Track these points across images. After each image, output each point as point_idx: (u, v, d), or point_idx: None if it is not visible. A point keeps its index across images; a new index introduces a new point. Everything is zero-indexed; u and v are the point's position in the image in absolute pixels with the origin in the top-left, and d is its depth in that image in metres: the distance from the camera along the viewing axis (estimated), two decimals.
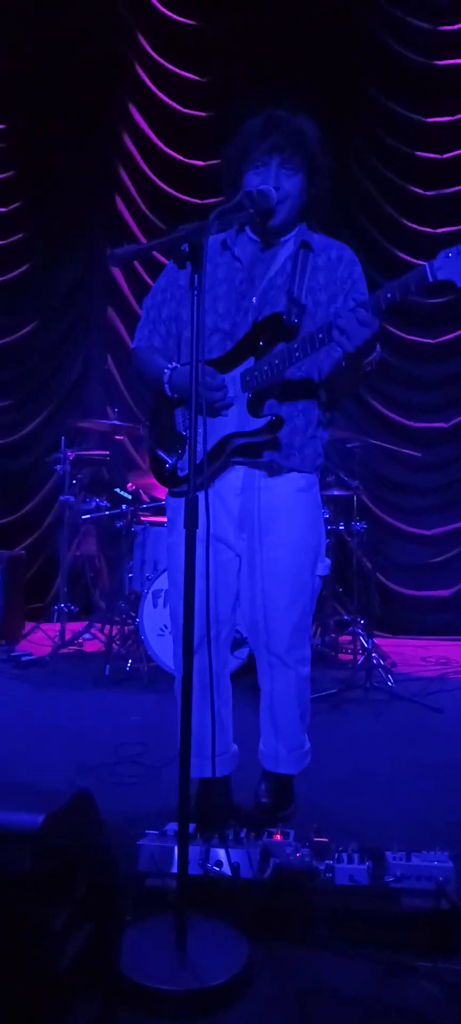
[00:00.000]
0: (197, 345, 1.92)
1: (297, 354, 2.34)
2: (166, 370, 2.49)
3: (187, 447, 2.23)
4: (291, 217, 2.51)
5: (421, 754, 3.65)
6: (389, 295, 2.17)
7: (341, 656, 5.43)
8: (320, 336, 2.28)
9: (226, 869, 2.07)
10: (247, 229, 2.57)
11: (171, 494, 2.65)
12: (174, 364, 2.51)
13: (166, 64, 7.06)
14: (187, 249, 1.94)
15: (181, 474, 2.54)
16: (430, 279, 2.17)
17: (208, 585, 2.22)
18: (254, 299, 2.50)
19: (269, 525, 2.54)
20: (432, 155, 6.85)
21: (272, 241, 2.54)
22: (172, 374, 2.49)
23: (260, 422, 2.43)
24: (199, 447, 2.23)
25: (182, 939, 1.82)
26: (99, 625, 5.42)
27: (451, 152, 6.82)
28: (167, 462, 2.59)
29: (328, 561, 5.08)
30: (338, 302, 2.52)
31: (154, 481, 5.36)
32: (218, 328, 2.51)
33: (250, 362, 2.43)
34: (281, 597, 2.55)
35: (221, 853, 2.09)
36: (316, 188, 2.54)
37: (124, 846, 2.17)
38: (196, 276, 1.94)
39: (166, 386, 2.49)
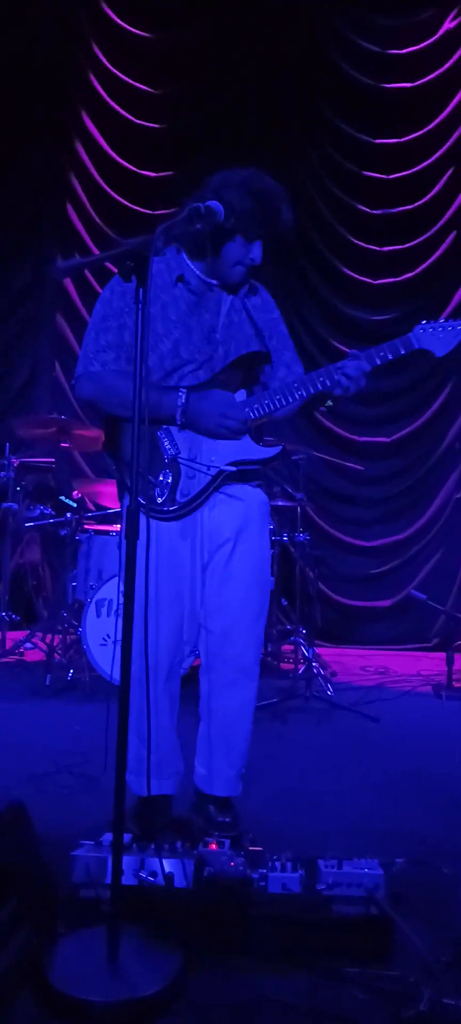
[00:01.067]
0: (141, 362, 1.93)
1: (299, 392, 2.48)
2: (181, 395, 2.45)
3: (182, 470, 2.47)
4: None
5: (359, 763, 3.71)
6: (382, 354, 2.47)
7: (283, 665, 5.48)
8: (321, 379, 2.48)
9: (160, 879, 2.08)
10: (192, 265, 2.58)
11: (159, 517, 2.53)
12: (184, 389, 2.47)
13: (120, 75, 7.08)
14: (132, 264, 1.95)
15: (181, 499, 2.51)
16: (415, 346, 2.49)
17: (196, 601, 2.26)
18: (218, 333, 2.58)
19: (245, 530, 2.59)
20: (379, 175, 6.99)
21: (226, 289, 2.60)
22: (189, 400, 2.46)
23: (271, 451, 2.56)
24: (201, 472, 2.45)
25: (114, 949, 1.82)
26: (41, 634, 5.37)
27: (397, 173, 6.97)
28: (157, 487, 2.53)
29: (272, 578, 5.15)
30: (273, 341, 2.70)
31: (98, 489, 5.37)
32: (194, 359, 2.54)
33: (242, 394, 2.53)
34: (251, 607, 2.59)
35: (156, 863, 2.10)
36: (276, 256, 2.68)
37: (60, 857, 2.16)
38: (141, 290, 1.95)
39: (178, 412, 2.45)
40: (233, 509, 2.58)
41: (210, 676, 2.65)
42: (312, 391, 2.49)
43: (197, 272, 2.58)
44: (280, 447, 2.59)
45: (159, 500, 2.52)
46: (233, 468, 2.53)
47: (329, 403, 2.55)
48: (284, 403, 2.50)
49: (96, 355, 2.55)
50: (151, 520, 2.55)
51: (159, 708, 2.52)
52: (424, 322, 2.50)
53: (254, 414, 2.50)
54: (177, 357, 2.51)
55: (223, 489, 2.57)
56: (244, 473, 2.58)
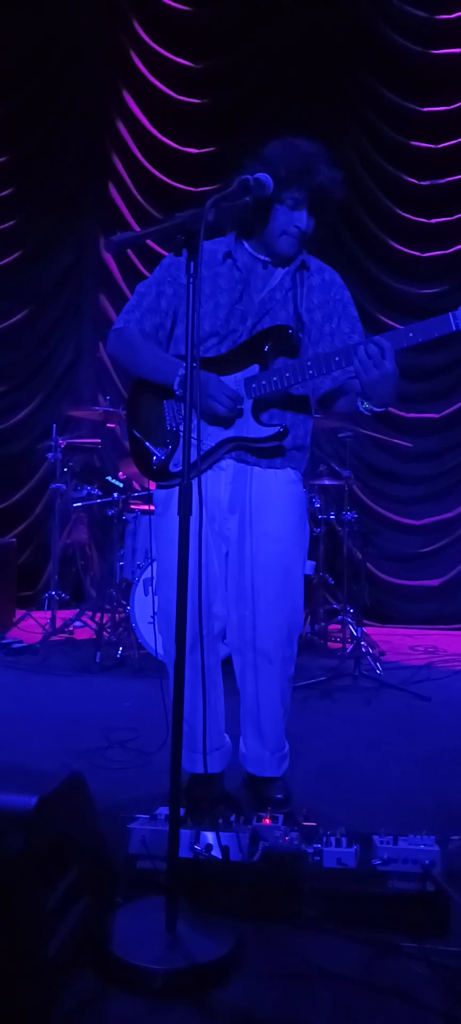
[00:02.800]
0: (193, 332, 1.93)
1: (310, 372, 2.42)
2: (181, 368, 2.46)
3: (181, 441, 2.34)
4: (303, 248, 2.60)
5: (409, 741, 3.68)
6: (411, 335, 2.30)
7: (330, 644, 5.46)
8: (336, 359, 2.38)
9: (216, 852, 2.09)
10: (246, 244, 2.59)
11: (160, 487, 2.64)
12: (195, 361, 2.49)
13: (161, 50, 7.02)
14: (183, 238, 1.95)
15: (173, 469, 2.55)
16: (454, 328, 2.28)
17: (200, 578, 2.14)
18: (253, 308, 2.55)
19: (259, 514, 2.56)
20: (427, 144, 6.85)
21: (278, 264, 2.58)
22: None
23: (267, 431, 2.51)
24: (193, 444, 2.31)
25: (172, 920, 1.84)
26: (90, 613, 5.43)
27: (446, 142, 6.82)
28: (155, 455, 2.59)
29: (312, 563, 5.11)
30: (333, 322, 2.63)
31: None
32: (216, 332, 2.54)
33: (254, 369, 2.49)
34: (270, 590, 2.56)
35: (211, 836, 2.11)
36: (325, 226, 2.60)
37: (115, 830, 2.19)
38: (192, 263, 1.95)
39: (176, 380, 2.46)
40: (240, 487, 2.56)
41: (237, 659, 2.66)
42: (323, 371, 2.41)
43: (248, 248, 2.58)
44: (278, 428, 2.51)
45: (154, 468, 2.58)
46: (212, 443, 2.50)
47: (366, 404, 2.43)
48: (294, 380, 2.44)
49: (125, 314, 2.65)
50: (163, 492, 2.59)
51: (190, 682, 2.48)
52: None
53: (257, 392, 2.47)
54: (201, 330, 2.50)
55: (226, 466, 2.55)
56: (262, 451, 2.54)
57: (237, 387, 2.49)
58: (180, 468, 2.45)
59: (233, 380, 2.50)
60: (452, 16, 6.74)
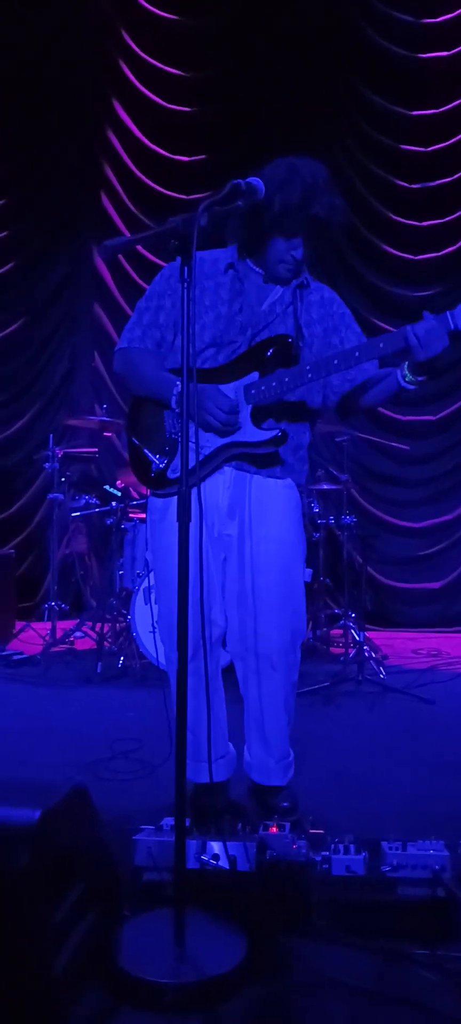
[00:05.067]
0: (187, 338, 1.92)
1: (310, 375, 2.42)
2: (177, 384, 2.45)
3: (179, 448, 2.27)
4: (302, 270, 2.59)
5: (415, 745, 3.65)
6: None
7: (333, 649, 5.43)
8: (335, 362, 2.40)
9: (223, 862, 2.07)
10: (249, 261, 2.57)
11: (156, 495, 2.62)
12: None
13: (150, 60, 7.04)
14: (176, 243, 1.94)
15: (172, 476, 2.54)
16: (451, 326, 2.30)
17: (202, 585, 2.07)
18: (253, 320, 2.55)
19: (259, 517, 2.55)
20: (417, 148, 6.86)
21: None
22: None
23: (265, 435, 2.49)
24: (191, 450, 2.30)
25: (180, 932, 1.81)
26: (90, 623, 5.40)
27: (435, 145, 6.83)
28: (154, 463, 2.58)
29: (310, 570, 5.08)
30: (341, 333, 2.63)
31: None
32: (216, 342, 2.54)
33: (254, 376, 2.48)
34: (272, 595, 2.54)
35: (218, 846, 2.08)
36: (326, 248, 2.62)
37: (120, 842, 2.17)
38: (186, 268, 1.94)
39: (173, 399, 2.45)
40: (247, 495, 2.55)
41: (239, 665, 2.64)
42: (323, 373, 2.42)
43: (249, 263, 2.57)
44: (277, 432, 2.49)
45: (152, 476, 2.57)
46: (210, 449, 2.49)
47: (408, 374, 2.40)
48: (293, 385, 2.43)
49: (127, 332, 2.64)
50: (160, 500, 2.58)
51: (192, 691, 2.45)
52: None
53: (256, 399, 2.45)
54: (201, 341, 2.51)
55: (225, 472, 2.54)
56: (257, 459, 2.53)
57: (236, 394, 2.48)
58: (178, 475, 2.44)
59: (233, 388, 2.49)
60: (438, 20, 6.77)
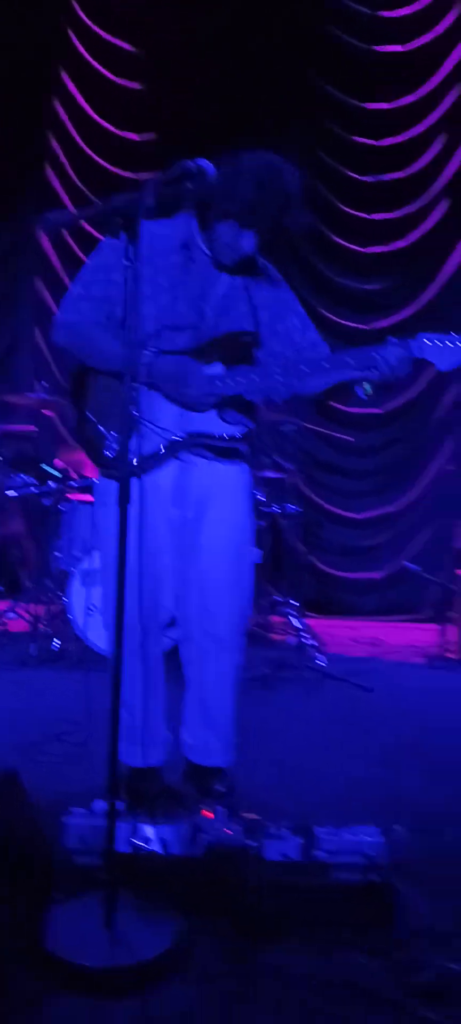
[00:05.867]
0: (131, 316, 1.87)
1: (278, 377, 2.41)
2: (149, 353, 2.40)
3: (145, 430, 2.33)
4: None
5: (353, 732, 3.67)
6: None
7: (273, 636, 5.41)
8: (306, 369, 2.42)
9: (155, 845, 2.02)
10: (198, 238, 2.50)
11: (106, 475, 2.54)
12: (155, 349, 2.42)
13: (101, 32, 6.89)
14: (121, 220, 1.90)
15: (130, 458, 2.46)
16: (416, 355, 2.37)
17: (141, 566, 2.10)
18: (210, 303, 2.50)
19: (210, 500, 2.53)
20: (370, 141, 6.87)
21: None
22: (156, 358, 2.41)
23: (233, 430, 2.50)
24: (155, 433, 2.39)
25: (110, 915, 1.76)
26: (25, 605, 5.27)
27: (388, 139, 6.86)
28: (108, 439, 2.50)
29: (259, 551, 5.06)
30: (287, 320, 2.62)
31: (82, 457, 5.26)
32: (176, 325, 2.47)
33: (218, 367, 2.45)
34: (223, 576, 2.52)
35: (150, 829, 2.04)
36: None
37: (53, 825, 2.11)
38: (130, 247, 1.90)
39: (143, 368, 2.38)
40: (196, 479, 2.52)
41: (186, 646, 2.61)
42: (335, 374, 2.43)
43: (201, 242, 2.51)
44: (244, 427, 2.51)
45: (108, 455, 2.50)
46: (180, 437, 2.46)
47: (367, 387, 2.45)
48: (262, 384, 2.43)
49: (74, 303, 2.52)
50: (106, 482, 2.51)
51: (129, 673, 2.37)
52: (428, 334, 2.38)
53: (222, 391, 2.43)
54: (158, 321, 2.45)
55: (185, 457, 2.50)
56: (214, 446, 2.51)
57: None
58: (140, 456, 2.36)
59: None
60: (395, 13, 6.78)
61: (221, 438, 2.49)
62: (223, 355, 2.47)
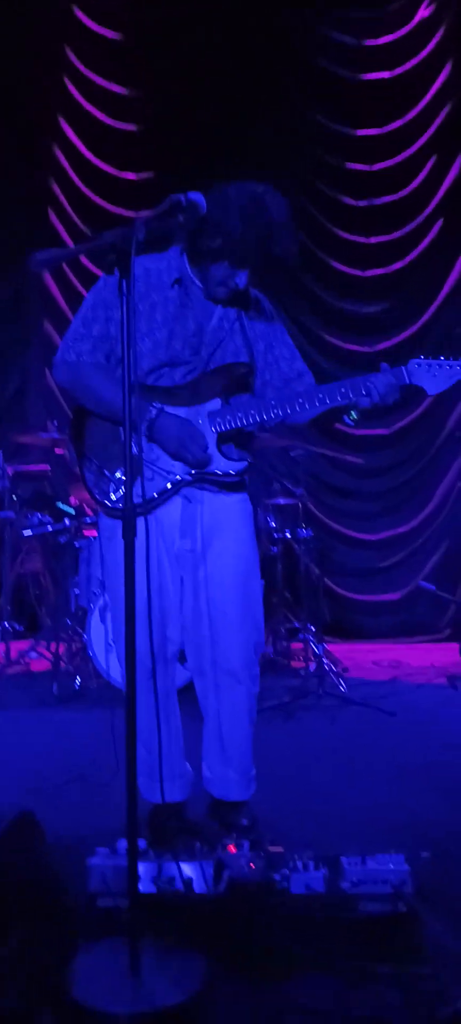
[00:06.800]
0: (128, 355, 1.89)
1: (276, 411, 2.45)
2: (153, 409, 2.42)
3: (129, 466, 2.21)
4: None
5: (375, 758, 3.63)
6: (369, 384, 2.42)
7: (293, 664, 5.39)
8: (300, 401, 2.45)
9: (179, 885, 2.01)
10: (190, 272, 2.52)
11: (111, 515, 2.53)
12: (159, 406, 2.44)
13: (95, 77, 7.00)
14: (114, 257, 1.92)
15: (136, 500, 2.46)
16: (407, 382, 2.44)
17: (150, 602, 2.06)
18: (204, 338, 2.52)
19: (214, 532, 2.53)
20: (362, 166, 6.93)
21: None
22: (158, 417, 2.43)
23: (236, 466, 2.51)
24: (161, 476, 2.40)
25: (135, 960, 1.75)
26: (45, 643, 5.29)
27: (380, 163, 6.92)
28: (113, 483, 2.51)
29: (261, 581, 5.05)
30: (275, 350, 2.65)
31: None
32: (173, 361, 2.50)
33: (217, 403, 2.48)
34: (232, 609, 2.52)
35: (174, 868, 2.03)
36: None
37: (75, 866, 2.10)
38: (124, 282, 1.91)
39: (145, 425, 2.41)
40: (201, 511, 2.53)
41: (201, 680, 2.60)
42: (328, 403, 2.46)
43: (193, 276, 2.53)
44: (245, 463, 2.52)
45: (113, 497, 2.50)
46: (186, 478, 2.48)
47: (354, 415, 2.50)
48: (259, 418, 2.45)
49: (74, 343, 2.54)
50: (111, 520, 2.52)
51: (143, 708, 2.32)
52: (420, 358, 2.45)
53: (222, 427, 2.46)
54: (155, 358, 2.47)
55: (187, 493, 2.52)
56: (222, 485, 2.53)
57: (202, 420, 2.47)
58: (144, 499, 2.38)
59: (195, 412, 2.47)
60: (379, 41, 6.88)
61: (227, 475, 2.50)
62: (220, 389, 2.48)
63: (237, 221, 2.32)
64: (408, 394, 2.49)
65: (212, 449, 2.47)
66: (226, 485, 2.54)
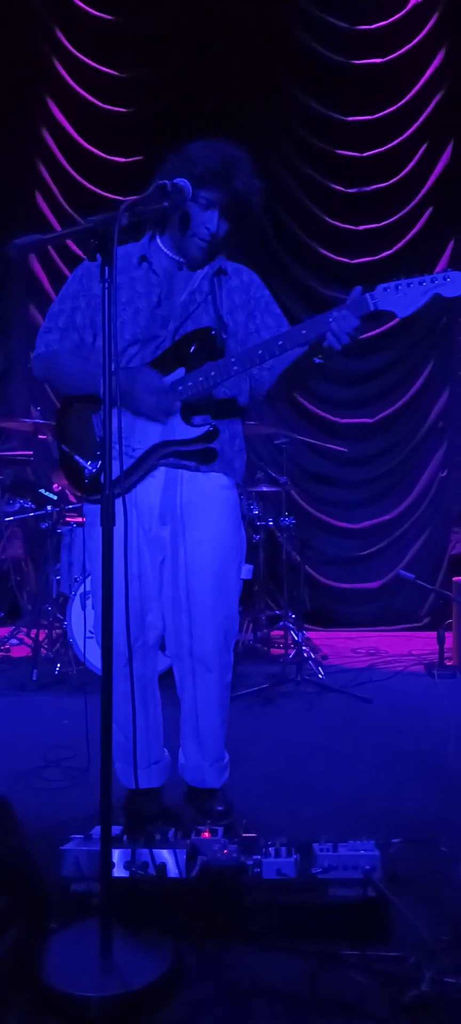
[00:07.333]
0: (110, 338, 1.88)
1: (235, 368, 2.39)
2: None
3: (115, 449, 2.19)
4: (217, 253, 2.55)
5: (352, 744, 3.68)
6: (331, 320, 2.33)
7: (273, 651, 5.44)
8: (260, 352, 2.36)
9: (151, 870, 2.03)
10: (160, 241, 2.54)
11: (91, 501, 2.56)
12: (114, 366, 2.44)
13: (85, 59, 6.94)
14: (96, 242, 1.90)
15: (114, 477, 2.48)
16: (371, 308, 2.36)
17: (127, 589, 2.02)
18: (174, 312, 2.51)
19: (192, 519, 2.52)
20: (353, 153, 6.92)
21: (194, 267, 2.53)
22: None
23: (195, 431, 2.45)
24: (123, 454, 2.32)
25: (107, 943, 1.78)
26: (26, 629, 5.29)
27: (371, 150, 6.91)
28: (86, 468, 2.53)
29: (250, 566, 5.09)
30: (256, 319, 2.62)
31: None
32: (137, 339, 2.49)
33: (180, 372, 2.44)
34: (206, 597, 2.52)
35: (147, 854, 2.05)
36: (243, 232, 2.56)
37: (49, 852, 2.12)
38: (106, 268, 1.90)
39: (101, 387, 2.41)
40: (179, 494, 2.52)
41: (177, 667, 2.62)
42: (247, 365, 2.38)
43: (166, 251, 2.53)
44: (208, 427, 2.46)
45: (86, 482, 2.53)
46: (142, 450, 2.45)
47: (317, 359, 2.40)
48: (219, 379, 2.39)
49: (42, 336, 2.60)
50: (94, 507, 2.50)
51: (120, 695, 2.32)
52: (388, 283, 2.39)
53: (184, 395, 2.42)
54: (122, 339, 2.47)
55: (157, 473, 2.51)
56: (193, 456, 2.49)
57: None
58: (110, 478, 2.38)
59: (162, 383, 2.44)
60: (372, 27, 6.85)
61: (186, 442, 2.46)
62: (184, 358, 2.44)
63: (197, 160, 2.38)
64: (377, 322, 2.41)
65: (175, 417, 2.45)
66: (199, 457, 2.49)
